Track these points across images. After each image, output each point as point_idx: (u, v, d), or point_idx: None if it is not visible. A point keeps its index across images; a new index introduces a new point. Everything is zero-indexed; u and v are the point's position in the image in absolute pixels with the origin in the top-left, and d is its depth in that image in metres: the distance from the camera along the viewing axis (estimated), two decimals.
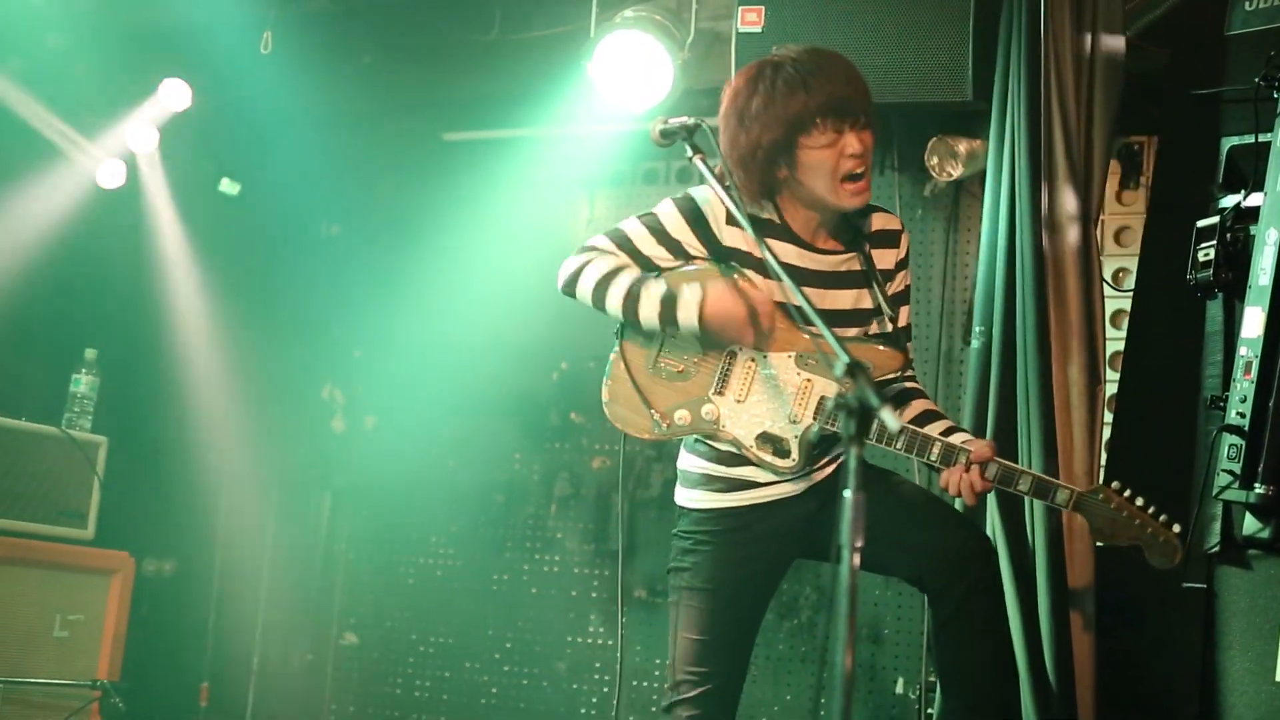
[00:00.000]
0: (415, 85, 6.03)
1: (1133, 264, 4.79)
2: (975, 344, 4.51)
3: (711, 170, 3.41)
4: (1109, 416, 4.48)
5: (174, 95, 5.81)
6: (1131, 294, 4.63)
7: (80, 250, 5.67)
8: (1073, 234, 4.32)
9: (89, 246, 5.71)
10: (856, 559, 2.47)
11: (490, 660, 5.25)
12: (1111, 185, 4.99)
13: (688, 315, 3.43)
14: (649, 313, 3.47)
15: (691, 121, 3.51)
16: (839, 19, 4.86)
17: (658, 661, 5.50)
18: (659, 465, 5.62)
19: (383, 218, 6.27)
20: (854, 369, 2.57)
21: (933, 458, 3.44)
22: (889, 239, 3.68)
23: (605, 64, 5.26)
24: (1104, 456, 4.36)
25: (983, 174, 4.77)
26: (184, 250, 6.04)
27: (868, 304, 3.60)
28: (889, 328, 3.60)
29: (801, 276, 3.45)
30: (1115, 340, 4.70)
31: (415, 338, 6.10)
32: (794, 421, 3.52)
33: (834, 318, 3.36)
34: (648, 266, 3.55)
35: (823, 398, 3.50)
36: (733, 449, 3.57)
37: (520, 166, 5.91)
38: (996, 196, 4.47)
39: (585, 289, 3.54)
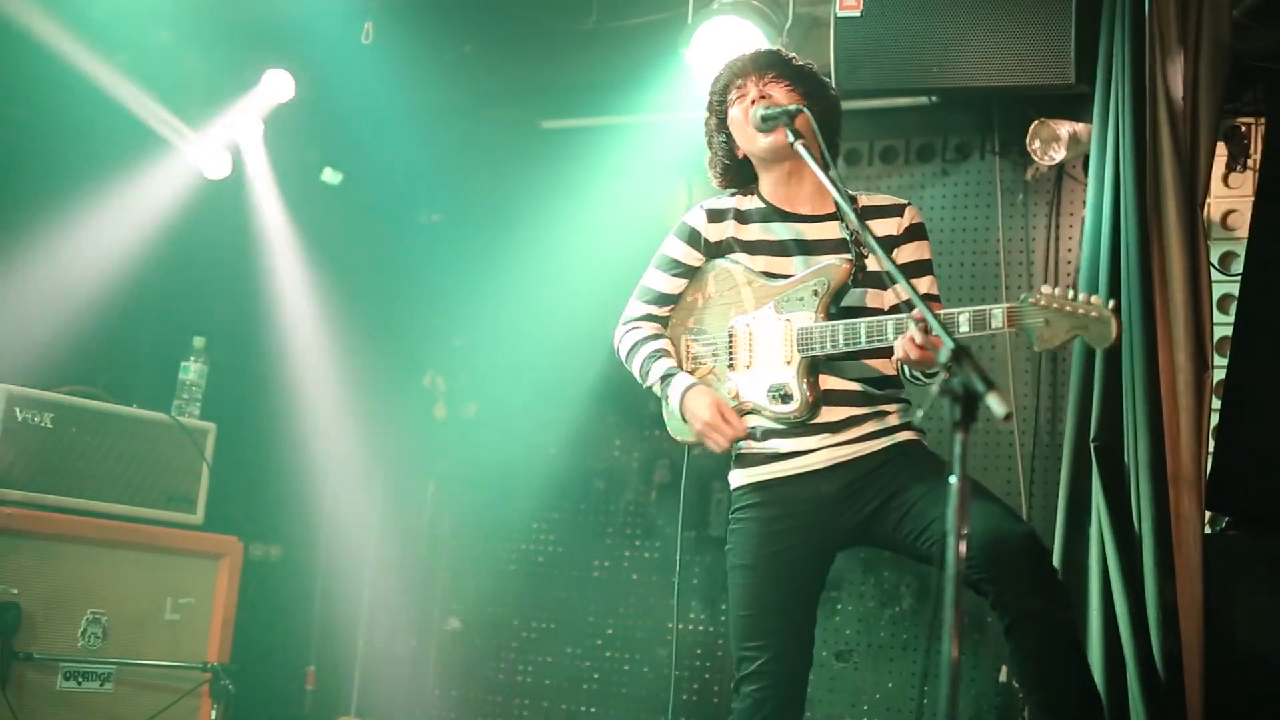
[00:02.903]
0: (514, 73, 6.05)
1: (1240, 248, 4.73)
2: None
3: (812, 155, 3.41)
4: (1216, 403, 4.41)
5: (277, 86, 5.88)
6: (1239, 278, 4.56)
7: (188, 240, 5.76)
8: (1178, 218, 4.26)
9: (196, 236, 5.80)
10: (963, 546, 2.46)
11: (592, 646, 5.27)
12: (1218, 168, 4.91)
13: (675, 405, 3.82)
14: (654, 385, 3.89)
15: (793, 107, 3.54)
16: (938, 1, 4.83)
17: None
18: None
19: (482, 206, 6.31)
20: (959, 354, 2.55)
21: (890, 332, 3.53)
22: (887, 211, 3.82)
23: (703, 50, 5.25)
24: (1211, 444, 4.30)
25: (1085, 157, 4.72)
26: (288, 239, 6.12)
27: (839, 236, 3.78)
28: (849, 255, 3.73)
29: (775, 248, 3.79)
30: (1223, 326, 4.63)
31: (515, 325, 6.13)
32: (787, 363, 3.71)
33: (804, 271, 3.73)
34: (675, 300, 3.96)
35: (798, 329, 3.69)
36: (758, 418, 3.76)
37: (618, 153, 5.92)
38: (1100, 180, 4.41)
39: (626, 361, 3.99)
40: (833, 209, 3.77)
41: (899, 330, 3.51)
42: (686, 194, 5.98)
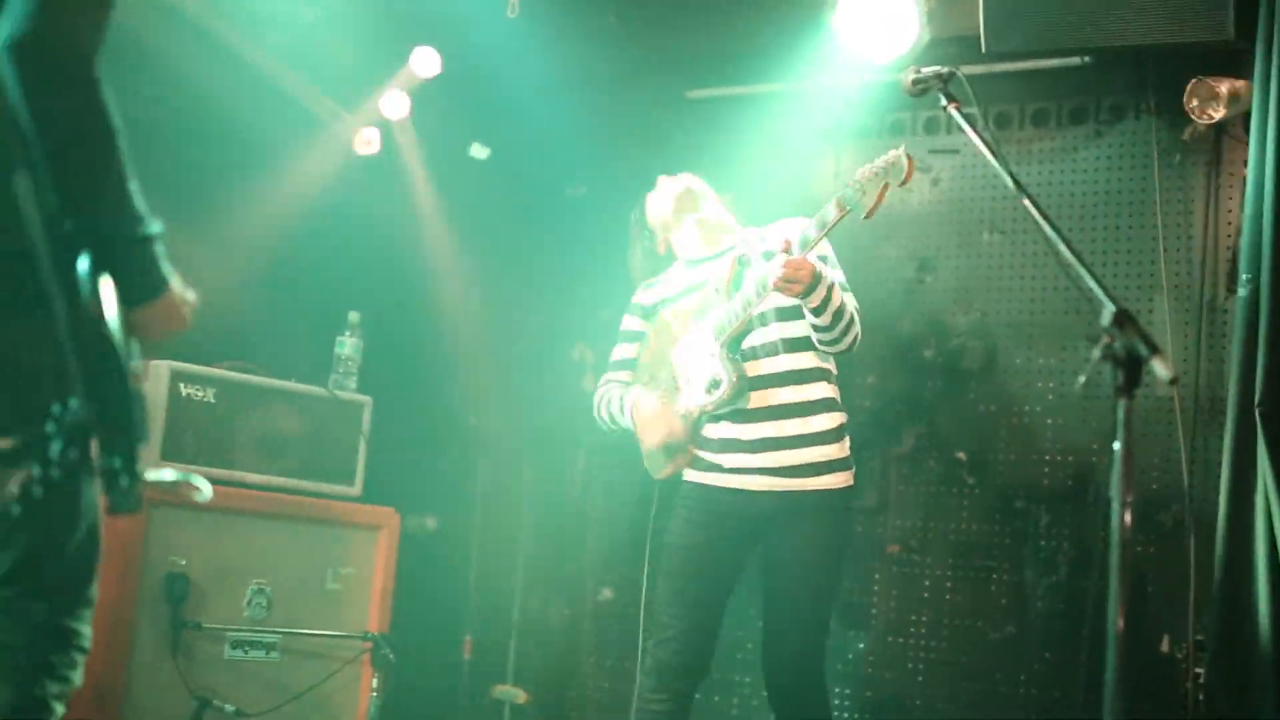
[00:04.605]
0: (657, 44, 6.05)
1: None
2: (1242, 292, 4.37)
3: (968, 119, 3.37)
4: None
5: (424, 62, 5.93)
6: None
7: (341, 216, 5.84)
8: None
9: (349, 213, 5.88)
10: (1128, 515, 2.43)
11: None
12: None
13: (626, 419, 4.48)
14: (619, 420, 4.51)
15: (945, 70, 3.50)
16: None
17: (912, 617, 5.47)
18: (910, 423, 5.58)
19: (628, 178, 6.27)
20: (1121, 318, 2.51)
21: (779, 278, 3.89)
22: (776, 235, 4.17)
23: (849, 15, 5.20)
24: None
25: (1246, 115, 4.60)
26: (438, 214, 6.19)
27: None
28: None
29: (690, 289, 4.40)
30: None
31: None
32: (711, 356, 4.22)
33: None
34: (633, 367, 4.62)
35: (713, 320, 4.21)
36: (712, 425, 4.30)
37: (764, 122, 5.89)
38: (1263, 138, 4.31)
39: (604, 421, 4.61)
40: (723, 246, 4.42)
41: (774, 272, 3.91)
42: (834, 162, 5.93)
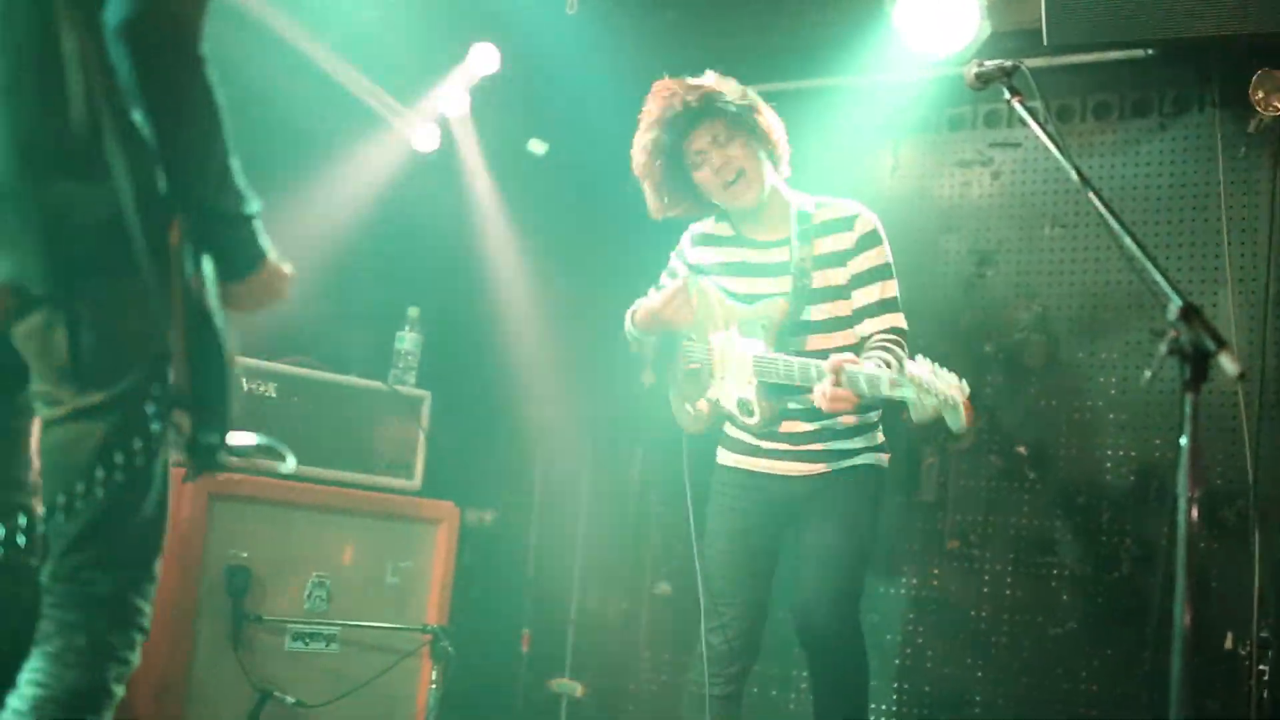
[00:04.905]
0: (716, 38, 6.03)
1: None
2: None
3: (1032, 112, 3.34)
4: None
5: (483, 58, 5.95)
6: None
7: (400, 212, 5.87)
8: None
9: (408, 209, 5.91)
10: (1195, 511, 2.40)
11: None
12: None
13: (646, 328, 4.44)
14: (644, 324, 4.44)
15: (1009, 64, 3.47)
16: None
17: (972, 613, 5.45)
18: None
19: None
20: (1188, 312, 2.48)
21: (812, 376, 3.89)
22: (838, 225, 4.18)
23: (909, 9, 5.18)
24: None
25: None
26: (497, 209, 6.21)
27: (782, 267, 4.21)
28: (787, 287, 4.17)
29: (741, 269, 4.27)
30: None
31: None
32: (748, 383, 4.19)
33: (760, 296, 4.20)
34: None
35: (753, 358, 4.14)
36: (732, 426, 4.33)
37: (823, 117, 5.86)
38: None
39: (630, 333, 4.55)
40: (785, 234, 4.21)
41: (820, 376, 3.85)
42: (892, 156, 5.91)
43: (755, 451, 4.27)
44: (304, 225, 5.50)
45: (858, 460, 4.20)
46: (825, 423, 4.15)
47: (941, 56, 5.27)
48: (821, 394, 3.82)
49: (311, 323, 5.47)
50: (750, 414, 4.20)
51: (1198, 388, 2.41)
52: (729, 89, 4.20)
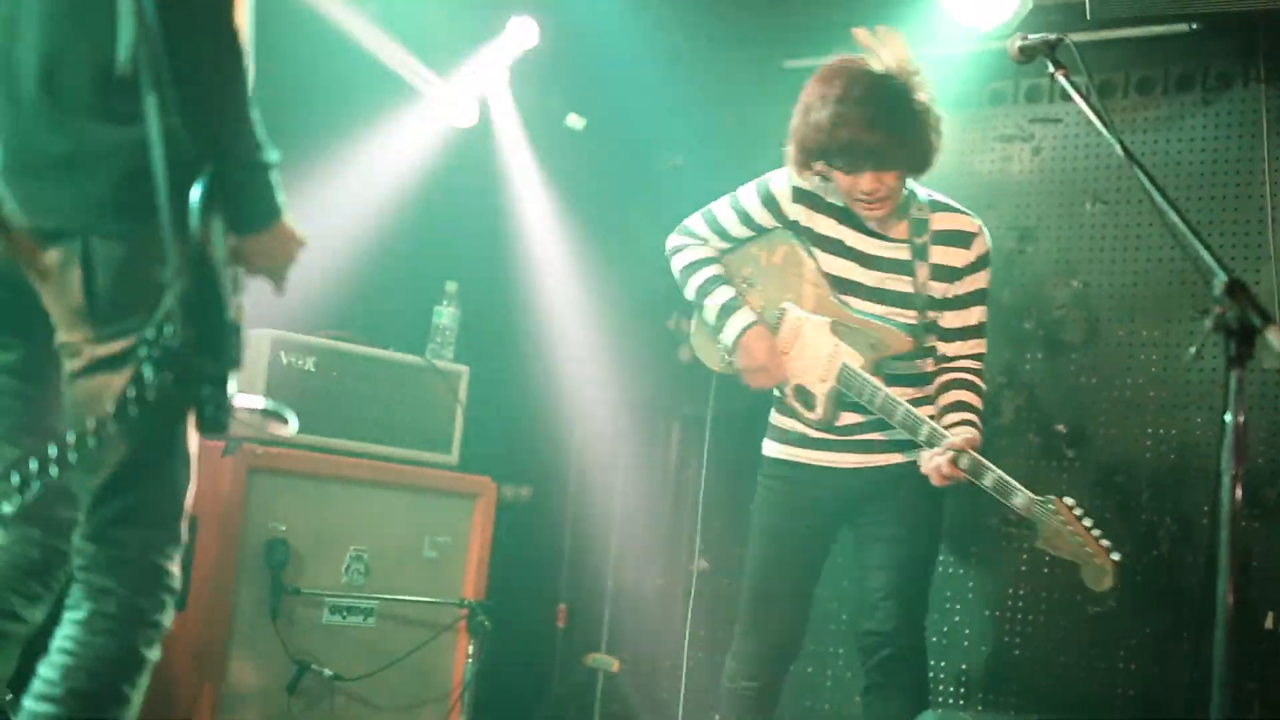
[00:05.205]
0: (756, 13, 6.01)
1: None
2: None
3: (1076, 87, 3.32)
4: None
5: (522, 33, 5.94)
6: None
7: (438, 187, 5.86)
8: None
9: (446, 183, 5.90)
10: (1239, 490, 2.38)
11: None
12: None
13: (729, 337, 4.16)
14: (710, 311, 4.19)
15: (1053, 37, 3.45)
16: None
17: (1009, 591, 5.42)
18: (1010, 395, 5.51)
19: (725, 148, 6.27)
20: (1234, 287, 2.46)
21: (921, 438, 3.83)
22: (959, 239, 4.03)
23: None
24: None
25: None
26: (535, 185, 6.20)
27: (905, 289, 4.01)
28: (913, 319, 4.00)
29: (845, 252, 4.04)
30: None
31: None
32: (822, 380, 4.03)
33: (879, 296, 4.01)
34: (736, 243, 4.23)
35: (844, 365, 3.97)
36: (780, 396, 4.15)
37: None
38: None
39: (675, 269, 4.30)
40: (904, 234, 4.01)
41: (930, 441, 3.79)
42: None
43: (803, 441, 4.12)
44: (342, 200, 5.50)
45: (903, 456, 4.05)
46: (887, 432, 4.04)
47: (984, 30, 5.23)
48: (935, 469, 3.75)
49: (350, 297, 5.48)
50: (810, 408, 4.05)
51: (1243, 364, 2.39)
52: (923, 106, 3.90)
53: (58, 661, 2.48)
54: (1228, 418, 2.35)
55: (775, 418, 4.22)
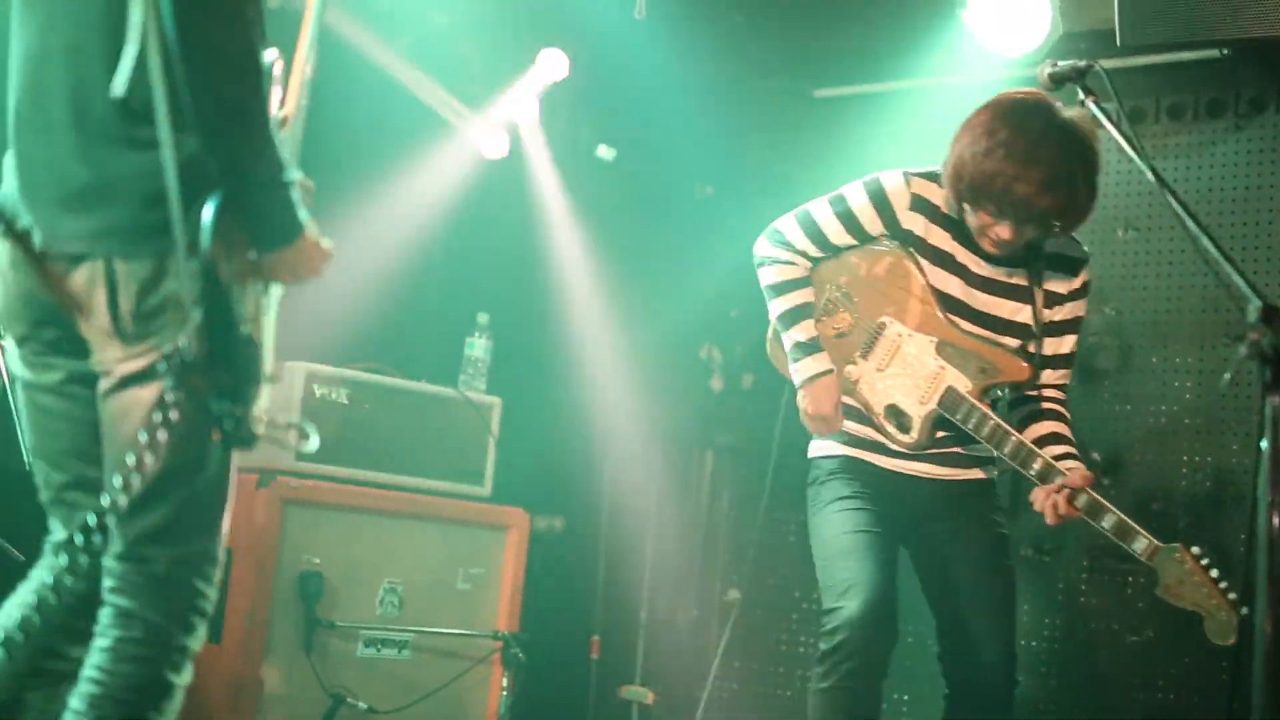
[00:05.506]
0: (785, 43, 6.03)
1: None
2: None
3: (1106, 113, 3.31)
4: None
5: (552, 65, 5.96)
6: None
7: (470, 218, 5.88)
8: None
9: (478, 214, 5.93)
10: (1277, 519, 2.36)
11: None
12: None
13: (799, 377, 3.90)
14: (788, 340, 3.93)
15: (1083, 63, 3.44)
16: None
17: (1046, 620, 5.39)
18: None
19: (755, 177, 6.29)
20: (1269, 313, 2.45)
21: (1033, 472, 3.67)
22: (1068, 265, 3.87)
23: (980, 9, 5.15)
24: None
25: None
26: (566, 216, 6.22)
27: (1023, 319, 3.83)
28: (1032, 347, 3.82)
29: (957, 269, 3.80)
30: None
31: None
32: (921, 403, 3.80)
33: (986, 321, 3.80)
34: (834, 252, 3.92)
35: (950, 388, 3.76)
36: (862, 410, 3.90)
37: (893, 120, 5.84)
38: None
39: (764, 282, 3.99)
40: (1019, 260, 3.80)
41: (1043, 477, 3.65)
42: None
43: (878, 448, 3.88)
44: (375, 232, 5.53)
45: (981, 472, 3.91)
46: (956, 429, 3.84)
47: (1013, 57, 5.23)
48: (1051, 508, 3.60)
49: (383, 329, 5.50)
50: (905, 430, 3.81)
51: (1279, 390, 2.38)
52: (1097, 168, 3.64)
53: (85, 691, 2.47)
54: (1264, 444, 2.34)
55: (847, 424, 3.93)
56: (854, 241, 3.89)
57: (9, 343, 2.70)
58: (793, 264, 3.94)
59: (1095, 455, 5.37)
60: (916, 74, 5.67)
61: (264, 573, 4.58)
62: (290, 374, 4.83)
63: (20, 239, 2.51)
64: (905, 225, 3.81)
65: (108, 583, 2.53)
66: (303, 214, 2.54)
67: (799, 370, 3.89)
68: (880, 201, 3.82)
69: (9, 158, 2.59)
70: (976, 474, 3.91)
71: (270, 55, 2.60)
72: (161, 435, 2.30)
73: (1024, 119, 3.60)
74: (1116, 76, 3.58)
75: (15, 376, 2.71)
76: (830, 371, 3.87)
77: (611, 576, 6.31)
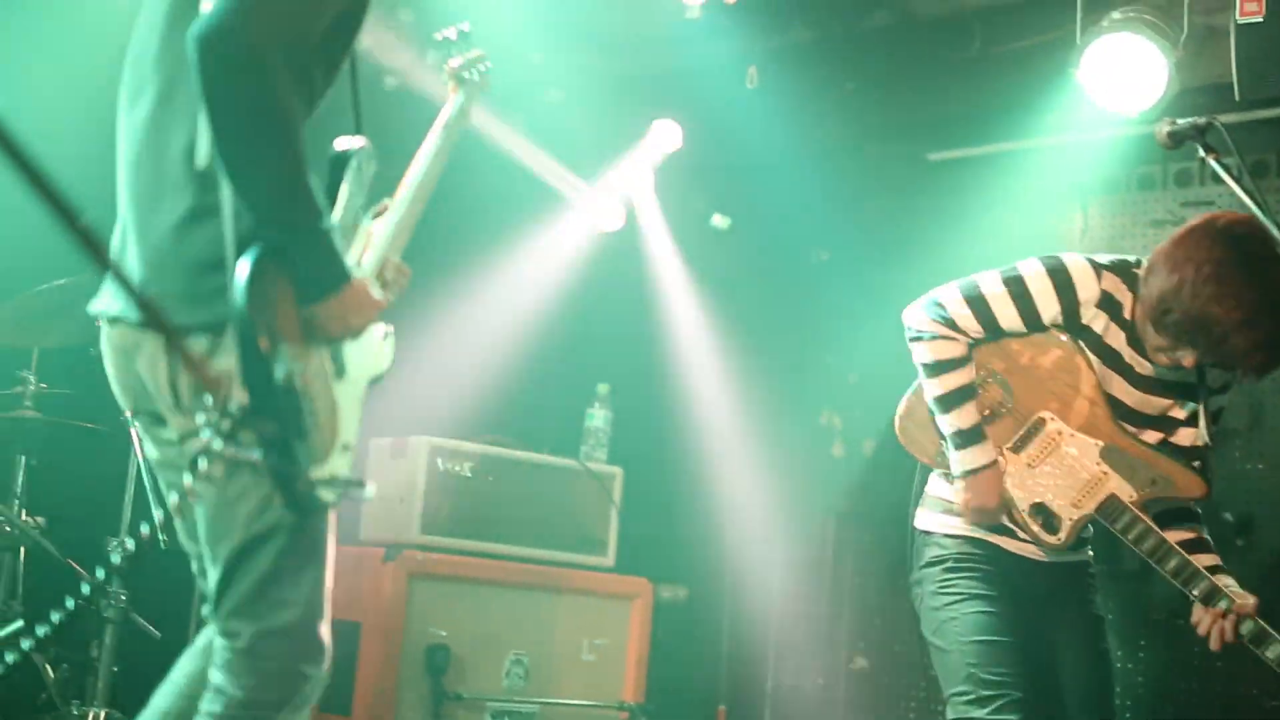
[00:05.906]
0: (897, 108, 6.03)
1: None
2: None
3: (1227, 169, 3.27)
4: None
5: (666, 136, 6.02)
6: None
7: (589, 290, 5.95)
8: None
9: (596, 286, 5.99)
10: None
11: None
12: None
13: (960, 467, 3.59)
14: (948, 427, 3.60)
15: (1203, 121, 3.38)
16: None
17: (1181, 685, 5.27)
18: None
19: (871, 242, 6.28)
20: None
21: (1195, 593, 3.49)
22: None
23: (1094, 69, 5.11)
24: None
25: None
26: (683, 285, 6.26)
27: (1180, 414, 3.61)
28: (1198, 442, 3.60)
29: (1129, 376, 3.55)
30: None
31: (908, 359, 6.06)
32: (1075, 506, 3.56)
33: (1141, 419, 3.57)
34: (999, 336, 3.60)
35: (1113, 495, 3.52)
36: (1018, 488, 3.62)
37: (1008, 181, 5.80)
38: None
39: (919, 359, 3.68)
40: (1176, 376, 3.55)
41: (1207, 599, 3.47)
42: (1082, 218, 5.81)
43: (1007, 532, 3.64)
44: (496, 307, 5.60)
45: (1081, 555, 3.75)
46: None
47: (1129, 115, 5.18)
48: (1218, 633, 3.44)
49: (504, 402, 5.56)
50: (1052, 531, 3.57)
51: None
52: None
53: None
54: None
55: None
56: (1024, 330, 3.58)
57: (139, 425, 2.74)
58: (954, 340, 3.61)
59: (1227, 515, 5.27)
60: (1030, 134, 5.64)
61: (391, 645, 4.63)
62: (414, 448, 4.89)
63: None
64: (1085, 320, 3.53)
65: (213, 660, 2.55)
66: (346, 264, 2.51)
67: (961, 460, 3.60)
68: (1064, 287, 3.52)
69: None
70: (1083, 555, 3.78)
71: (354, 142, 2.63)
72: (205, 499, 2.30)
73: (1257, 266, 3.31)
74: (1236, 131, 3.53)
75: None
76: (995, 463, 3.59)
77: (736, 645, 6.28)
